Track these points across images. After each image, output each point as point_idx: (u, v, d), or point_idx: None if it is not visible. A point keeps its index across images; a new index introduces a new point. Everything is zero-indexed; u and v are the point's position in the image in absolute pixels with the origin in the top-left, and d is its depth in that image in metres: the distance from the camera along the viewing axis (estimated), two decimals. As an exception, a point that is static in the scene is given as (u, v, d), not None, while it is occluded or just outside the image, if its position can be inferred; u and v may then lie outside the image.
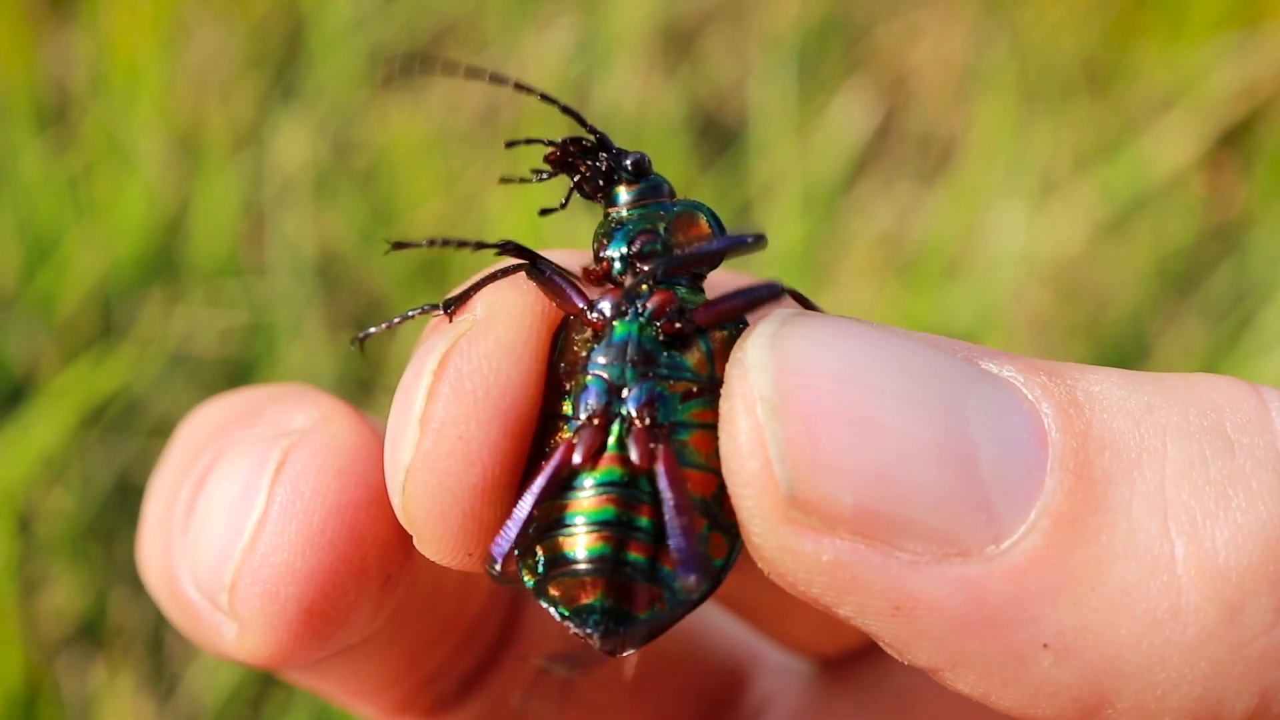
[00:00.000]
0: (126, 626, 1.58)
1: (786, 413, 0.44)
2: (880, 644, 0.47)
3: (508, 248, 0.52)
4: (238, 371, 1.75)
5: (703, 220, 0.55)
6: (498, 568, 0.49)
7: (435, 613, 0.66)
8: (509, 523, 0.49)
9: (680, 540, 0.47)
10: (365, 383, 1.75)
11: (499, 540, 0.49)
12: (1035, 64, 2.06)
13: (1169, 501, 0.44)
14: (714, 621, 0.75)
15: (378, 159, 1.92)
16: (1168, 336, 1.86)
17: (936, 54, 2.10)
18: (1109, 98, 2.04)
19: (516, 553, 0.50)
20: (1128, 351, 1.85)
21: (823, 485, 0.44)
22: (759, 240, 0.51)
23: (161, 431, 1.68)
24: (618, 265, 0.53)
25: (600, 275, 0.53)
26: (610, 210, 0.55)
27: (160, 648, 1.58)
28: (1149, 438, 0.45)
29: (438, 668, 0.68)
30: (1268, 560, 0.44)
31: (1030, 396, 0.46)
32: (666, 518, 0.48)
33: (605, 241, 0.54)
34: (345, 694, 0.67)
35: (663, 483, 0.48)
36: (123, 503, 1.65)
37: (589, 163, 0.54)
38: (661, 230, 0.54)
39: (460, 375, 0.49)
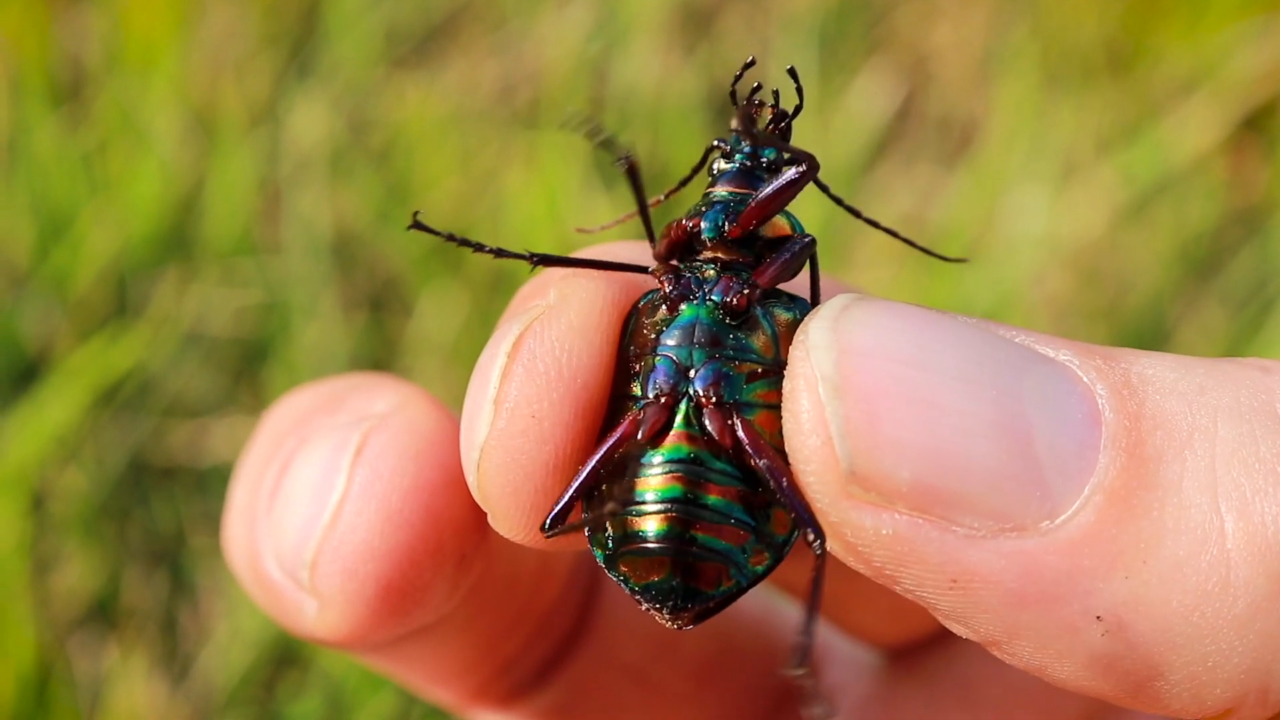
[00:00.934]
0: (139, 607, 1.57)
1: (847, 392, 0.46)
2: (939, 617, 0.48)
3: (535, 260, 0.54)
4: (252, 351, 1.75)
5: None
6: (549, 532, 0.51)
7: (512, 599, 0.68)
8: (568, 489, 0.51)
9: (792, 499, 0.49)
10: (379, 363, 1.75)
11: (556, 505, 0.51)
12: (1056, 47, 2.05)
13: (1219, 479, 0.45)
14: (783, 612, 0.77)
15: (394, 137, 1.91)
16: (1188, 321, 1.85)
17: (957, 36, 2.09)
18: (1130, 81, 2.03)
19: (587, 530, 0.52)
20: (1148, 336, 1.85)
21: (882, 462, 0.46)
22: (809, 166, 0.53)
23: (175, 411, 1.68)
24: (706, 232, 0.54)
25: (682, 235, 0.55)
26: (712, 190, 0.56)
27: (173, 628, 1.57)
28: (1200, 418, 0.46)
29: (514, 654, 0.70)
30: None
31: (1085, 379, 0.47)
32: (771, 485, 0.49)
33: (704, 207, 0.55)
34: (423, 678, 0.70)
35: (750, 453, 0.50)
36: (136, 482, 1.65)
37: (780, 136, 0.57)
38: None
39: (533, 357, 0.51)
